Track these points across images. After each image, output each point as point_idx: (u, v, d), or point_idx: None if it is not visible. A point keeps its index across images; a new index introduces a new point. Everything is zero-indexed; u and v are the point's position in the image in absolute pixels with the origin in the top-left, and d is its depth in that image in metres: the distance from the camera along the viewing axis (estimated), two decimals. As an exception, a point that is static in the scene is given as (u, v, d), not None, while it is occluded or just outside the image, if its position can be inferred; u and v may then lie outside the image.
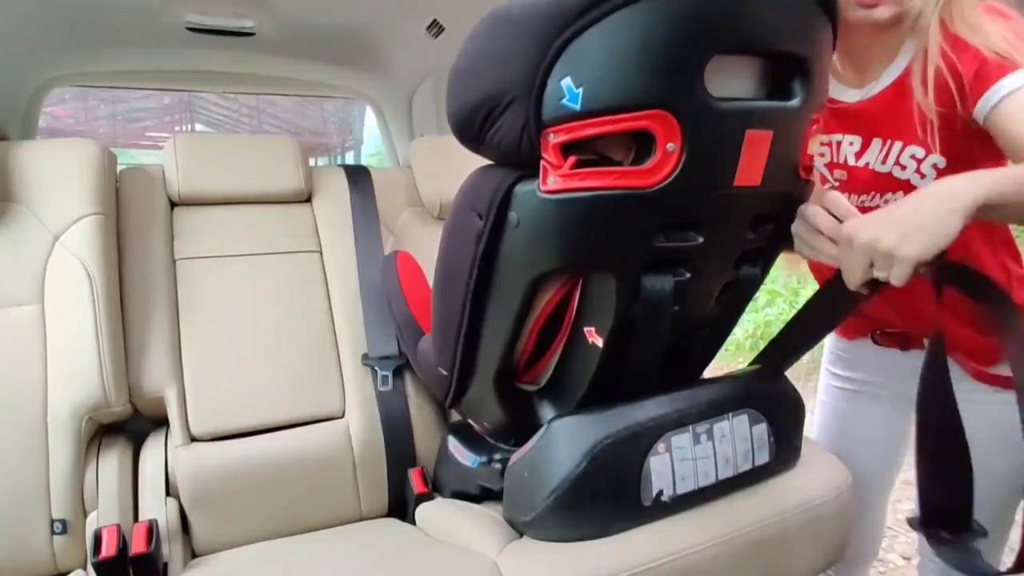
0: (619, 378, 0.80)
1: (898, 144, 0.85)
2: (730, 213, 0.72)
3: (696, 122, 0.62)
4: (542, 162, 0.65)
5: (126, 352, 1.08)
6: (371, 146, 8.98)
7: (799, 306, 0.95)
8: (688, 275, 0.73)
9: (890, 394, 1.05)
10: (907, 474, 1.13)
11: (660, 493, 0.77)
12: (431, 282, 0.89)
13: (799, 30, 0.66)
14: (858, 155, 0.90)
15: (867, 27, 0.82)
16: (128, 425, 1.11)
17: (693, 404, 0.81)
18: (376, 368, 1.18)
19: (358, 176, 1.41)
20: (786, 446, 0.89)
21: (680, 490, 0.79)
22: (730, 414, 0.83)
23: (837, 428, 1.14)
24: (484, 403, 0.90)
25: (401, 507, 1.13)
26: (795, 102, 0.68)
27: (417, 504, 1.04)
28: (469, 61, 0.70)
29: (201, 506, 1.02)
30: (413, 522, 1.02)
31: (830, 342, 1.17)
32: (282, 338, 1.18)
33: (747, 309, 0.89)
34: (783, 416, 0.88)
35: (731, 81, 0.66)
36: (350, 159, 9.81)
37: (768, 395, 0.88)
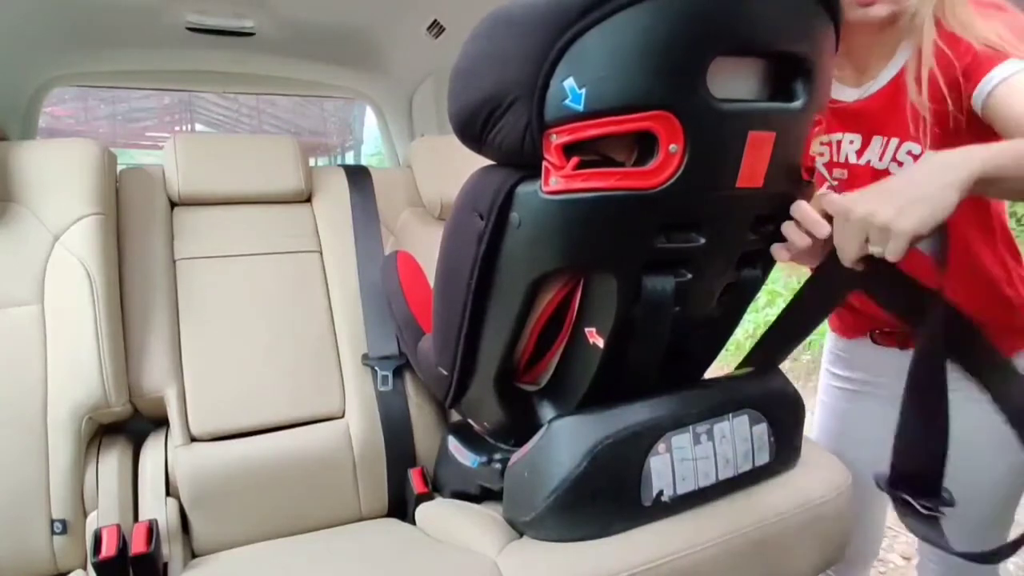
0: (620, 378, 0.80)
1: (895, 141, 0.86)
2: (732, 214, 0.72)
3: (698, 123, 0.62)
4: (544, 163, 0.65)
5: (126, 352, 1.08)
6: (371, 146, 8.98)
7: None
8: (689, 276, 0.73)
9: (890, 394, 1.05)
10: (907, 474, 1.13)
11: (660, 493, 0.77)
12: (431, 282, 0.89)
13: (801, 30, 0.66)
14: (859, 153, 0.90)
15: (865, 26, 0.83)
16: (128, 425, 1.11)
17: (693, 404, 0.81)
18: (376, 368, 1.18)
19: (358, 176, 1.41)
20: (786, 446, 0.89)
21: (680, 490, 0.79)
22: (730, 414, 0.83)
23: (837, 428, 1.14)
24: (484, 403, 0.90)
25: (401, 507, 1.13)
26: (798, 103, 0.68)
27: (417, 504, 1.04)
28: (470, 61, 0.70)
29: (201, 506, 1.02)
30: (413, 522, 1.02)
31: (829, 342, 1.18)
32: (282, 338, 1.18)
33: (748, 309, 0.89)
34: (783, 416, 0.88)
35: (734, 82, 0.66)
36: (350, 159, 9.80)
37: (768, 395, 0.88)
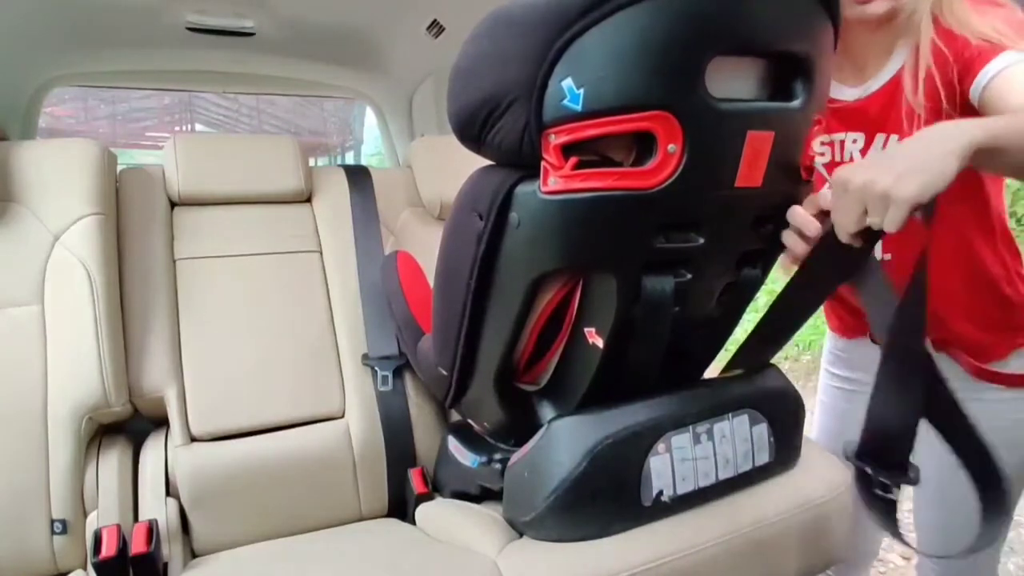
0: (619, 378, 0.80)
1: (894, 138, 0.86)
2: (731, 214, 0.72)
3: (697, 123, 0.62)
4: (543, 163, 0.65)
5: (126, 352, 1.08)
6: (371, 146, 8.97)
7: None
8: (689, 276, 0.73)
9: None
10: (907, 474, 1.13)
11: (660, 493, 0.77)
12: (431, 282, 0.89)
13: (800, 29, 0.66)
14: (863, 152, 0.90)
15: (863, 24, 0.83)
16: (128, 425, 1.11)
17: (693, 404, 0.81)
18: (376, 368, 1.18)
19: (358, 176, 1.41)
20: (786, 446, 0.89)
21: (680, 490, 0.79)
22: (730, 414, 0.83)
23: (837, 428, 1.14)
24: (484, 403, 0.90)
25: (401, 507, 1.13)
26: (797, 103, 0.68)
27: (417, 504, 1.04)
28: (470, 61, 0.70)
29: (201, 506, 1.02)
30: (413, 522, 1.02)
31: (829, 342, 1.18)
32: (282, 338, 1.18)
33: (747, 309, 0.88)
34: (783, 416, 0.88)
35: (733, 82, 0.66)
36: (350, 159, 9.80)
37: (768, 395, 0.88)
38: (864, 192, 0.62)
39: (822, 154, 0.93)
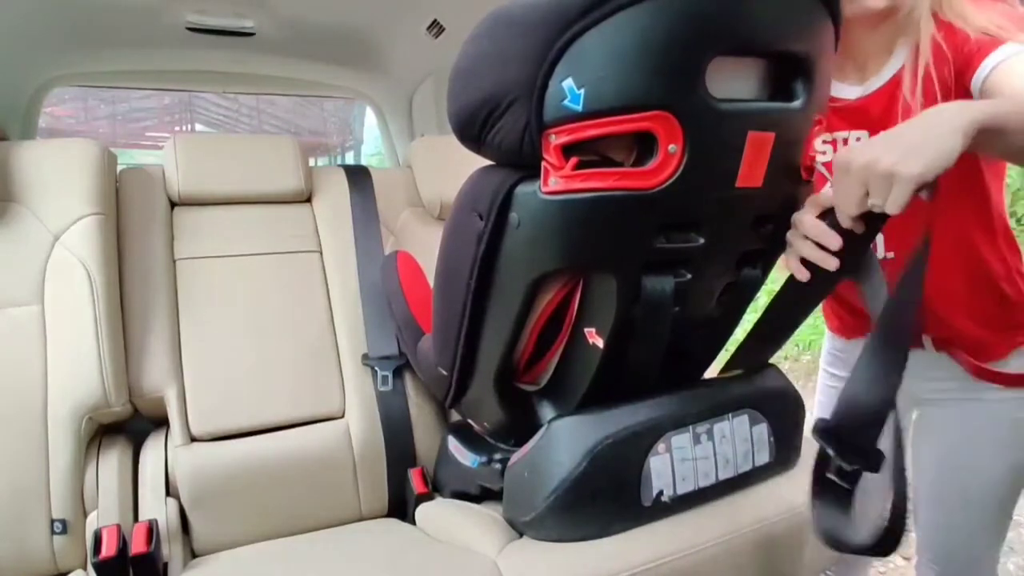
0: (619, 378, 0.80)
1: None
2: (731, 214, 0.72)
3: (698, 123, 0.62)
4: (543, 163, 0.65)
5: (126, 352, 1.08)
6: (371, 146, 8.98)
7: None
8: (689, 276, 0.73)
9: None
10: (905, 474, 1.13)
11: (660, 493, 0.77)
12: (431, 282, 0.89)
13: (801, 29, 0.66)
14: None
15: (863, 20, 0.83)
16: (128, 425, 1.11)
17: (693, 404, 0.81)
18: (376, 368, 1.18)
19: (358, 176, 1.41)
20: (786, 446, 0.89)
21: (680, 490, 0.79)
22: (730, 414, 0.83)
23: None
24: (484, 403, 0.90)
25: (401, 507, 1.13)
26: (797, 103, 0.68)
27: (417, 504, 1.04)
28: (470, 61, 0.70)
29: (201, 506, 1.02)
30: (413, 522, 1.03)
31: (828, 342, 1.18)
32: (282, 338, 1.18)
33: (747, 309, 0.88)
34: (783, 416, 0.88)
35: (733, 82, 0.66)
36: (350, 159, 9.80)
37: (768, 395, 0.88)
38: (867, 171, 0.60)
39: (823, 153, 0.93)
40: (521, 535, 0.82)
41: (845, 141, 0.91)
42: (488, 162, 0.74)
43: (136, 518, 0.99)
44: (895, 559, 1.93)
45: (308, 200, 1.37)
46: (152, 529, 0.93)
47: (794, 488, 0.89)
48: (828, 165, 0.93)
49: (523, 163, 0.67)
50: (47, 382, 1.00)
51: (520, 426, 0.87)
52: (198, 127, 10.01)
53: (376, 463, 1.13)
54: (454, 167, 0.91)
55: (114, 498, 0.99)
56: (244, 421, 1.09)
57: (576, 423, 0.77)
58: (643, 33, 0.58)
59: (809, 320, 0.88)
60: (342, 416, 1.15)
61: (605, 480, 0.75)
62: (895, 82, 0.86)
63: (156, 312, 1.13)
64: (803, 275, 0.72)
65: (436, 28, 1.62)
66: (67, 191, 1.10)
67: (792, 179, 0.74)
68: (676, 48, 0.59)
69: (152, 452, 1.05)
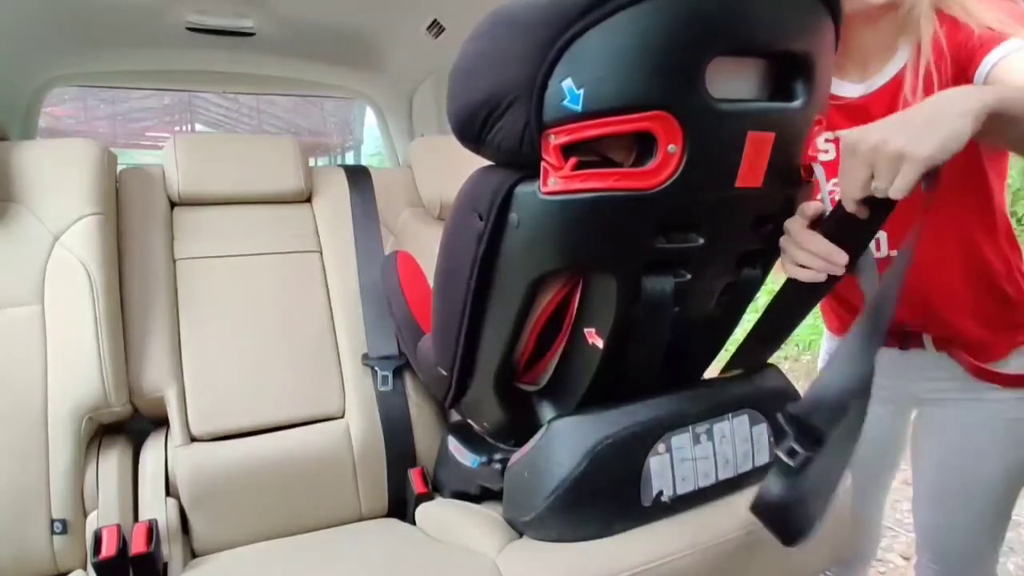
0: (619, 378, 0.80)
1: None
2: (731, 214, 0.72)
3: (697, 123, 0.62)
4: (543, 163, 0.65)
5: (126, 352, 1.08)
6: (371, 146, 8.98)
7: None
8: (689, 276, 0.73)
9: (888, 394, 1.05)
10: (905, 474, 1.13)
11: (660, 493, 0.77)
12: (431, 282, 0.89)
13: (801, 29, 0.66)
14: None
15: (864, 17, 0.83)
16: (128, 425, 1.11)
17: (693, 404, 0.81)
18: (376, 368, 1.18)
19: (358, 176, 1.41)
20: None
21: (680, 490, 0.79)
22: (730, 414, 0.83)
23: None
24: (484, 403, 0.90)
25: (401, 507, 1.13)
26: (797, 103, 0.68)
27: (417, 504, 1.04)
28: (470, 61, 0.70)
29: (201, 506, 1.02)
30: (413, 522, 1.03)
31: (826, 343, 1.18)
32: (282, 338, 1.18)
33: (747, 309, 0.89)
34: (783, 416, 0.88)
35: (733, 82, 0.66)
36: (350, 159, 9.81)
37: (768, 395, 0.88)
38: (875, 153, 0.59)
39: (826, 151, 0.92)
40: (521, 535, 0.82)
41: None
42: (488, 162, 0.74)
43: (136, 518, 0.99)
44: (895, 559, 1.94)
45: (308, 200, 1.37)
46: (152, 529, 0.93)
47: (794, 488, 0.89)
48: (831, 163, 0.93)
49: (523, 163, 0.67)
50: (47, 382, 1.00)
51: (520, 426, 0.87)
52: (198, 127, 10.02)
53: (376, 463, 1.13)
54: (454, 167, 0.91)
55: (114, 498, 0.99)
56: (244, 421, 1.09)
57: (576, 423, 0.77)
58: (643, 33, 0.58)
59: (809, 320, 0.88)
60: (342, 416, 1.15)
61: (605, 480, 0.75)
62: (897, 80, 0.86)
63: (156, 312, 1.13)
64: (803, 275, 0.71)
65: (436, 28, 1.62)
66: (67, 191, 1.10)
67: (792, 179, 0.74)
68: (676, 48, 0.59)
69: (152, 452, 1.05)
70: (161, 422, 1.10)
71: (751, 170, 0.67)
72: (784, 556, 0.86)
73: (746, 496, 0.84)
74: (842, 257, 0.68)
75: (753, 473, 0.85)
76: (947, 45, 0.81)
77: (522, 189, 0.67)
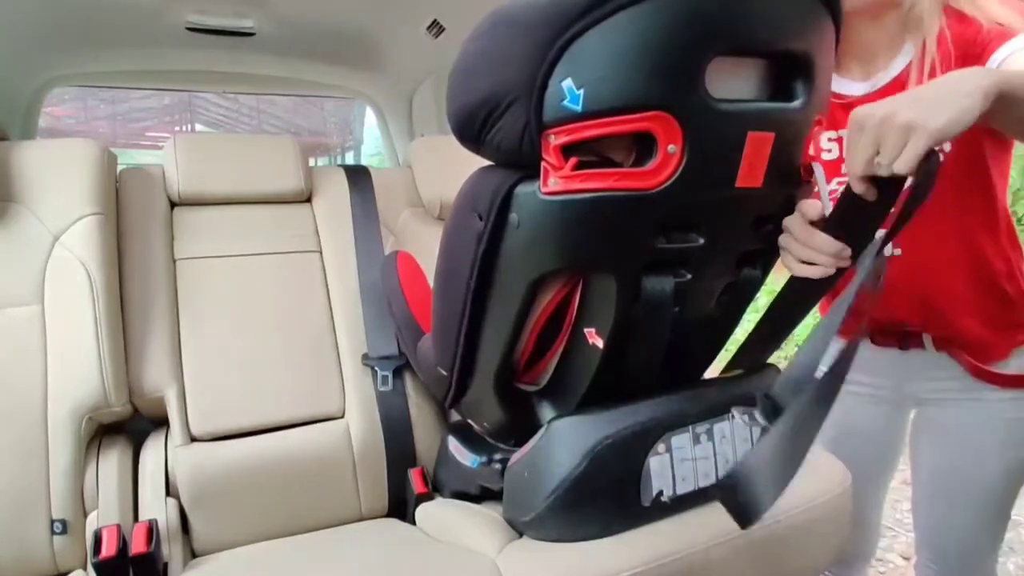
0: (619, 378, 0.80)
1: None
2: (731, 214, 0.72)
3: (697, 124, 0.62)
4: (543, 163, 0.65)
5: (126, 352, 1.08)
6: (371, 146, 8.98)
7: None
8: (689, 276, 0.73)
9: (888, 394, 1.05)
10: (905, 474, 1.13)
11: (660, 493, 0.77)
12: (431, 282, 0.89)
13: (801, 28, 0.66)
14: None
15: (866, 13, 0.83)
16: (128, 425, 1.11)
17: (693, 404, 0.81)
18: (376, 368, 1.18)
19: (358, 176, 1.41)
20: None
21: (680, 490, 0.79)
22: (730, 414, 0.83)
23: (833, 428, 1.14)
24: (484, 403, 0.90)
25: (401, 507, 1.13)
26: (797, 103, 0.68)
27: (417, 504, 1.04)
28: (469, 61, 0.70)
29: (201, 506, 1.02)
30: (413, 522, 1.03)
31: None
32: (282, 338, 1.18)
33: (747, 309, 0.89)
34: (783, 417, 0.88)
35: (733, 82, 0.66)
36: (350, 159, 9.81)
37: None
38: (884, 125, 0.58)
39: (829, 150, 0.92)
40: (521, 535, 0.82)
41: None
42: (488, 162, 0.74)
43: (136, 518, 0.99)
44: (895, 559, 1.94)
45: (308, 200, 1.37)
46: (152, 529, 0.93)
47: (794, 489, 0.88)
48: (835, 162, 0.93)
49: (523, 163, 0.67)
50: (47, 382, 1.00)
51: (520, 426, 0.87)
52: (198, 127, 10.02)
53: (376, 463, 1.13)
54: (454, 167, 0.91)
55: (114, 498, 0.99)
56: (244, 421, 1.09)
57: (576, 423, 0.77)
58: (643, 33, 0.58)
59: (809, 320, 0.88)
60: (342, 416, 1.15)
61: (605, 480, 0.75)
62: (902, 77, 0.85)
63: (156, 312, 1.13)
64: (809, 272, 0.71)
65: (436, 28, 1.62)
66: (67, 191, 1.10)
67: (792, 179, 0.74)
68: (676, 48, 0.59)
69: (152, 452, 1.05)
70: (161, 422, 1.10)
71: (751, 170, 0.67)
72: (784, 556, 0.86)
73: (746, 496, 0.85)
74: (845, 250, 0.67)
75: (753, 473, 0.85)
76: (953, 41, 0.80)
77: (522, 189, 0.67)
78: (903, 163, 0.57)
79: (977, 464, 0.97)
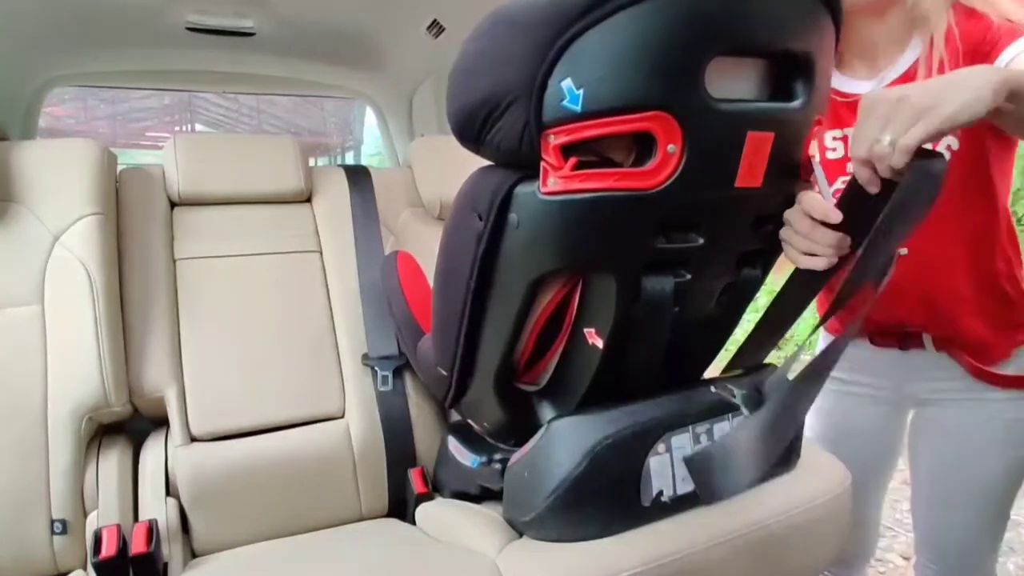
0: (619, 378, 0.80)
1: None
2: (731, 214, 0.72)
3: (697, 124, 0.62)
4: (542, 163, 0.65)
5: (126, 352, 1.08)
6: (371, 146, 8.98)
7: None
8: (688, 276, 0.73)
9: (887, 395, 1.05)
10: (904, 474, 1.13)
11: (660, 493, 0.77)
12: (431, 282, 0.89)
13: (801, 29, 0.66)
14: None
15: (871, 10, 0.83)
16: (128, 425, 1.11)
17: (693, 404, 0.81)
18: (376, 368, 1.18)
19: (358, 176, 1.41)
20: (786, 447, 0.89)
21: (680, 490, 0.78)
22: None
23: (833, 429, 1.14)
24: (484, 403, 0.90)
25: (401, 507, 1.13)
26: (797, 103, 0.68)
27: (417, 504, 1.04)
28: (469, 61, 0.70)
29: (201, 506, 1.02)
30: (413, 522, 1.02)
31: (823, 342, 1.17)
32: (282, 338, 1.18)
33: (747, 309, 0.89)
34: (783, 416, 0.88)
35: (733, 82, 0.66)
36: (350, 159, 9.81)
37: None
38: (898, 103, 0.58)
39: (834, 149, 0.92)
40: (521, 535, 0.82)
41: None
42: (488, 162, 0.74)
43: (136, 518, 0.99)
44: (894, 559, 1.94)
45: (308, 200, 1.37)
46: (152, 529, 0.93)
47: (794, 489, 0.89)
48: (840, 161, 0.92)
49: (522, 163, 0.67)
50: (47, 382, 1.00)
51: (520, 426, 0.87)
52: (198, 127, 10.02)
53: (376, 463, 1.13)
54: (454, 167, 0.91)
55: (114, 498, 0.99)
56: (244, 421, 1.09)
57: (576, 423, 0.77)
58: (642, 33, 0.58)
59: (809, 320, 0.88)
60: (342, 416, 1.15)
61: (605, 480, 0.75)
62: (909, 74, 0.85)
63: (156, 312, 1.13)
64: (810, 263, 0.71)
65: (436, 28, 1.62)
66: (67, 191, 1.10)
67: (792, 179, 0.74)
68: (675, 48, 0.59)
69: (152, 452, 1.05)
70: (161, 422, 1.10)
71: (750, 170, 0.67)
72: (784, 556, 0.86)
73: (746, 497, 0.85)
74: (845, 239, 0.68)
75: (753, 473, 0.85)
76: (961, 37, 0.80)
77: (522, 189, 0.67)
78: (912, 137, 0.57)
79: (977, 464, 0.98)
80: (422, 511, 1.01)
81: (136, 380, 1.07)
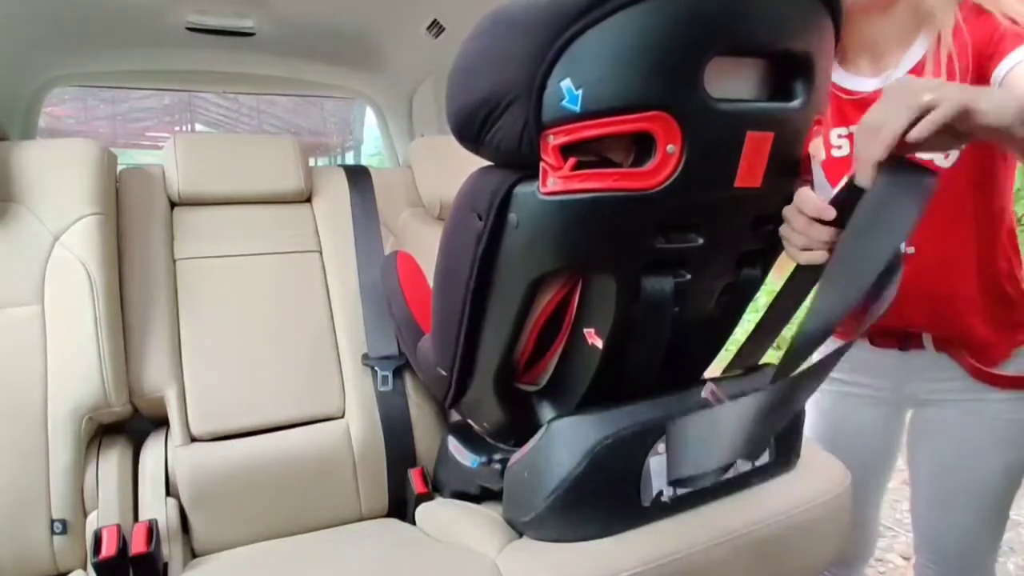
0: (619, 378, 0.80)
1: None
2: (730, 214, 0.72)
3: (696, 124, 0.62)
4: (542, 163, 0.65)
5: (126, 352, 1.08)
6: (371, 146, 8.99)
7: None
8: (688, 276, 0.73)
9: (887, 395, 1.05)
10: (904, 474, 1.13)
11: (660, 494, 0.77)
12: (431, 282, 0.89)
13: (801, 29, 0.66)
14: None
15: (876, 6, 0.82)
16: (128, 425, 1.11)
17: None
18: (376, 368, 1.18)
19: (358, 176, 1.41)
20: (786, 447, 0.89)
21: (680, 490, 0.79)
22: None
23: (832, 429, 1.14)
24: (484, 403, 0.90)
25: (401, 507, 1.13)
26: (796, 103, 0.68)
27: (417, 504, 1.04)
28: (469, 61, 0.70)
29: (201, 506, 1.02)
30: (413, 522, 1.03)
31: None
32: (282, 338, 1.18)
33: (747, 309, 0.89)
34: (783, 417, 0.88)
35: (732, 82, 0.66)
36: (350, 159, 9.81)
37: (768, 395, 0.88)
38: (915, 93, 0.57)
39: (839, 147, 0.92)
40: (521, 535, 0.82)
41: None
42: (488, 162, 0.75)
43: (136, 518, 0.99)
44: (894, 559, 1.94)
45: (308, 200, 1.37)
46: (152, 529, 0.93)
47: (794, 489, 0.89)
48: (845, 159, 0.92)
49: (522, 163, 0.67)
50: (47, 382, 1.00)
51: (520, 426, 0.87)
52: (198, 127, 10.02)
53: (376, 463, 1.13)
54: (454, 167, 0.91)
55: (114, 498, 0.99)
56: (244, 421, 1.09)
57: (576, 423, 0.77)
58: (642, 33, 0.58)
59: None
60: (342, 416, 1.15)
61: (605, 480, 0.75)
62: (916, 71, 0.84)
63: (156, 312, 1.13)
64: (810, 258, 0.71)
65: (436, 28, 1.62)
66: (67, 191, 1.10)
67: (791, 179, 0.74)
68: (675, 48, 0.59)
69: (152, 452, 1.05)
70: (161, 422, 1.10)
71: (750, 170, 0.67)
72: (784, 556, 0.86)
73: (746, 496, 0.85)
74: (840, 236, 0.67)
75: (753, 473, 0.85)
76: (969, 32, 0.80)
77: (521, 189, 0.67)
78: (942, 113, 0.55)
79: (976, 464, 0.97)
80: (422, 511, 1.01)
81: (136, 380, 1.08)
